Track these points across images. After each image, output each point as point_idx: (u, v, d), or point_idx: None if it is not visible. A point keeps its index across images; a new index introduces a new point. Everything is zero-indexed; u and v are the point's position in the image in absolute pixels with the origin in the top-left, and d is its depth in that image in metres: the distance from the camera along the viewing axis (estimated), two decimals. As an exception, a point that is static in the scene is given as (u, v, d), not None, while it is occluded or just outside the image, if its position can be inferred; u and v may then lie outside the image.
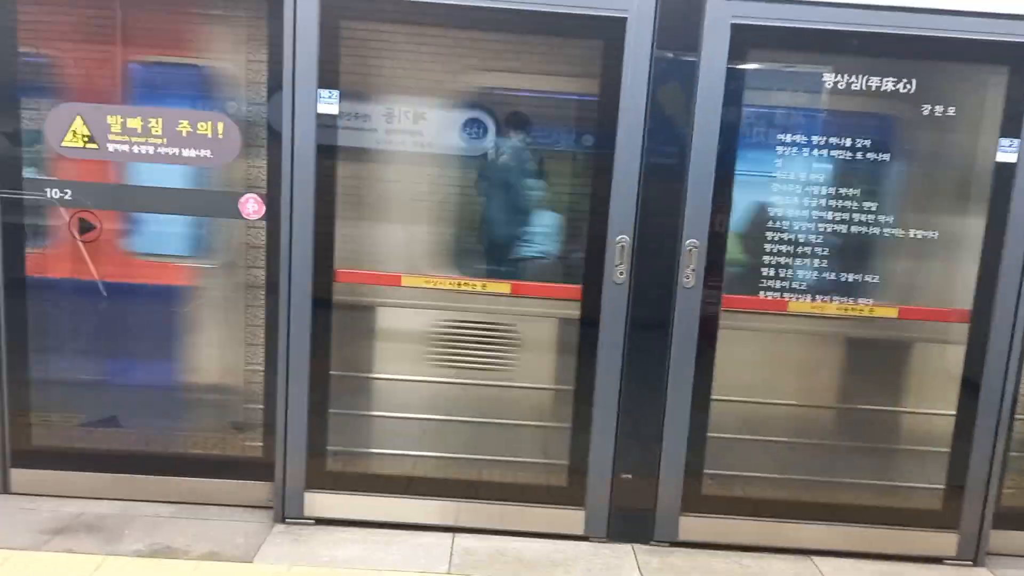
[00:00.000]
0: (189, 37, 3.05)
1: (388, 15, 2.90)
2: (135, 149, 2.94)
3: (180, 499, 3.20)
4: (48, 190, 3.00)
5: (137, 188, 3.11)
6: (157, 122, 2.92)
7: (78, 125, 2.91)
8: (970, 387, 3.05)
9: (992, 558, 3.17)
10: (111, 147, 2.93)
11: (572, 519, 3.13)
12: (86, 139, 2.91)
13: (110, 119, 2.91)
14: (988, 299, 3.00)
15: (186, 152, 2.94)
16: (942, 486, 3.13)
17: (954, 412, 3.09)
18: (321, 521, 3.12)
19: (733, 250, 3.02)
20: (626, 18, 2.82)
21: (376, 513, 3.12)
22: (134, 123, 2.92)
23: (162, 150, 2.94)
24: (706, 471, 3.11)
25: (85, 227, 3.08)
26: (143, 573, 2.71)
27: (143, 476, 3.20)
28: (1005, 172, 2.92)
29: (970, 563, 3.13)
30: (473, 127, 3.12)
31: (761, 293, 3.04)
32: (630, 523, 3.13)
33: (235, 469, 3.21)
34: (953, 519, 3.12)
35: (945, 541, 3.13)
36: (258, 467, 3.17)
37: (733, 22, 2.80)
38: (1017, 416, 3.11)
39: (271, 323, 3.07)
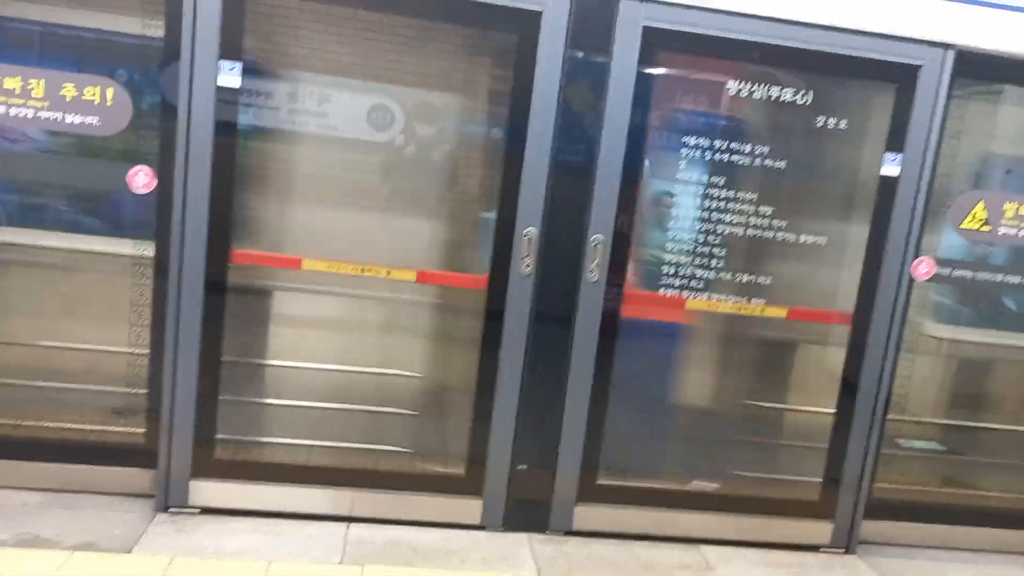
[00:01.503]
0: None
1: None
2: (12, 112, 2.72)
3: (52, 487, 3.00)
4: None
5: (16, 155, 2.89)
6: (39, 84, 2.71)
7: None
8: (848, 386, 3.24)
9: (863, 546, 3.37)
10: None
11: (469, 508, 3.13)
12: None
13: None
14: (868, 303, 3.18)
15: (70, 118, 2.74)
16: (820, 479, 3.31)
17: (834, 410, 3.27)
18: (208, 511, 3.00)
19: (636, 247, 3.09)
20: (541, 12, 2.82)
21: (267, 503, 3.03)
22: (12, 83, 2.70)
23: (43, 114, 2.73)
24: (602, 464, 3.17)
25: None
26: (9, 564, 2.53)
27: (8, 461, 2.98)
28: (889, 184, 3.10)
29: (843, 550, 3.33)
30: (380, 113, 3.05)
31: (661, 290, 3.12)
32: (526, 513, 3.16)
33: (114, 456, 3.04)
34: (829, 510, 3.30)
35: (821, 530, 3.32)
36: (140, 454, 3.01)
37: (645, 24, 2.85)
38: (889, 417, 3.32)
39: (158, 303, 2.91)
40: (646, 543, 3.19)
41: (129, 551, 2.70)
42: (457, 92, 3.16)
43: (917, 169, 3.07)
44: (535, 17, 2.82)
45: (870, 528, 3.38)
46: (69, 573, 2.52)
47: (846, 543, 3.33)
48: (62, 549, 2.66)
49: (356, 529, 3.03)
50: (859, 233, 3.17)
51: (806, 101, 3.05)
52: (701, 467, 3.34)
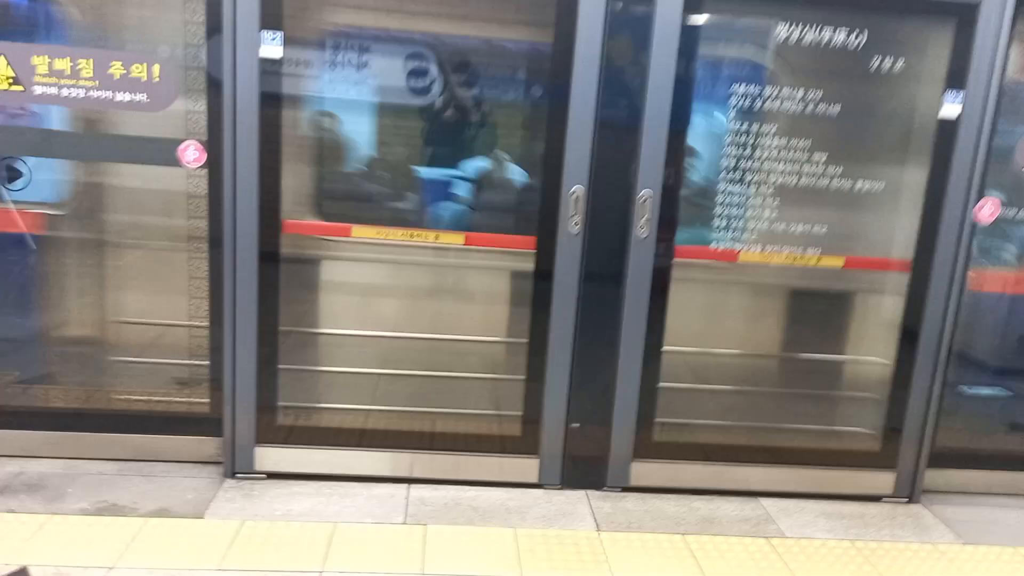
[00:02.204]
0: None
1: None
2: (63, 92, 2.76)
3: (126, 457, 3.12)
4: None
5: (68, 134, 2.94)
6: (87, 63, 2.74)
7: (1, 66, 2.72)
8: (909, 334, 3.16)
9: (926, 495, 3.33)
10: (38, 90, 2.75)
11: (526, 467, 3.17)
12: (10, 80, 2.73)
13: (35, 59, 2.73)
14: (929, 249, 3.08)
15: (119, 96, 2.78)
16: (881, 429, 3.26)
17: (894, 359, 3.20)
18: (273, 475, 3.08)
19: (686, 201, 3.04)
20: (582, -36, 2.75)
21: (330, 466, 3.10)
22: (62, 64, 2.74)
23: (93, 93, 2.77)
24: (657, 419, 3.17)
25: (13, 175, 2.91)
26: (89, 531, 2.64)
27: (86, 434, 3.10)
28: (948, 125, 2.98)
29: (906, 500, 3.29)
30: (420, 76, 3.03)
31: (712, 244, 3.07)
32: (583, 470, 3.18)
33: (182, 425, 3.14)
34: (891, 459, 3.26)
35: (883, 480, 3.27)
36: (206, 422, 3.11)
37: (689, -29, 2.76)
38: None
39: (215, 276, 2.97)
40: (705, 497, 3.20)
41: (201, 516, 2.79)
42: (498, 53, 3.10)
43: (980, 108, 2.94)
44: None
45: (934, 477, 3.33)
46: (146, 538, 2.63)
47: (909, 492, 3.28)
48: (138, 515, 2.76)
49: (417, 490, 3.09)
50: (918, 178, 3.06)
51: (859, 43, 2.93)
52: (759, 419, 3.32)
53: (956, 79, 2.94)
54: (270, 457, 3.08)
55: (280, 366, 3.03)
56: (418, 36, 2.99)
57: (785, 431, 3.31)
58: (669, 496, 3.18)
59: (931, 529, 3.11)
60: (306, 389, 3.22)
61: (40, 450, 3.10)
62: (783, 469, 3.25)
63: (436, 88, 3.04)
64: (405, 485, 3.11)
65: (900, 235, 3.16)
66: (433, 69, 3.02)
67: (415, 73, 3.02)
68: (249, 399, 3.01)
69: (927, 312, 3.12)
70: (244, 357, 2.96)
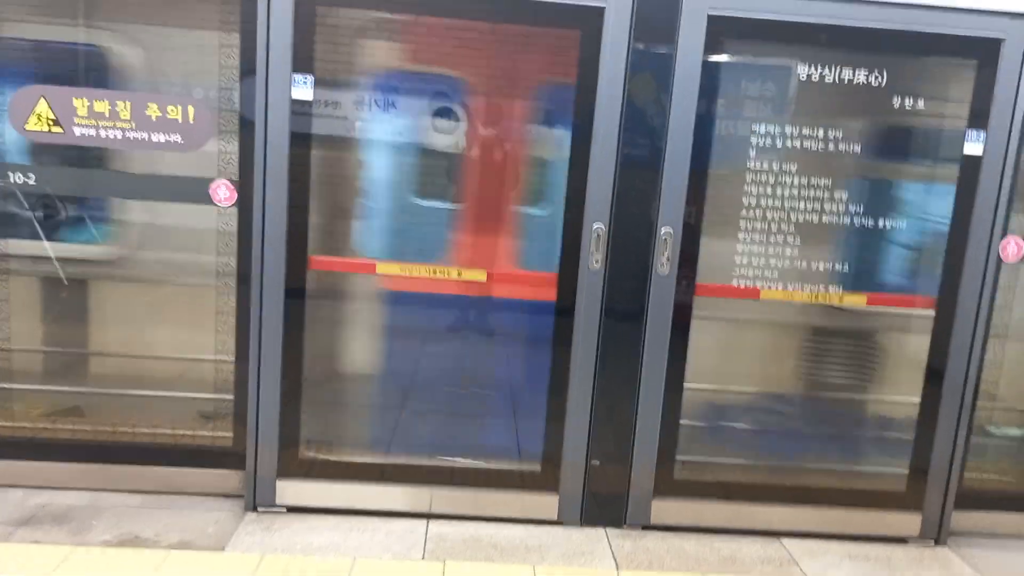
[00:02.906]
0: (160, 19, 2.98)
1: (365, 1, 2.86)
2: (103, 133, 2.86)
3: (149, 489, 3.16)
4: (11, 174, 2.92)
5: (103, 172, 3.04)
6: (125, 106, 2.85)
7: (42, 108, 2.82)
8: (935, 374, 3.13)
9: (953, 538, 3.27)
10: (78, 131, 2.85)
11: (546, 504, 3.15)
12: (51, 122, 2.83)
13: (76, 102, 2.84)
14: (953, 287, 3.07)
15: (155, 137, 2.87)
16: (906, 469, 3.22)
17: (919, 398, 3.17)
18: (293, 509, 3.10)
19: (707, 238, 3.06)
20: (604, 7, 2.81)
21: (350, 500, 3.12)
22: (101, 107, 2.84)
23: (131, 135, 2.86)
24: (678, 457, 3.15)
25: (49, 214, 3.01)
26: (112, 563, 2.67)
27: (111, 466, 3.15)
28: (972, 163, 2.99)
29: (932, 542, 3.23)
30: (445, 115, 3.10)
31: (734, 281, 3.08)
32: (603, 508, 3.17)
33: (205, 458, 3.17)
34: (917, 501, 3.21)
35: (909, 521, 3.22)
36: (229, 456, 3.14)
37: (710, 13, 2.81)
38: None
39: (242, 311, 3.02)
40: (726, 536, 3.16)
41: (222, 549, 2.81)
42: (521, 92, 3.17)
43: (1003, 146, 2.95)
44: (598, 12, 2.81)
45: (961, 519, 3.27)
46: (168, 570, 2.65)
47: (936, 534, 3.23)
48: (161, 548, 2.79)
49: (436, 526, 3.09)
50: (942, 216, 3.06)
51: (881, 82, 2.96)
52: (781, 458, 3.29)
53: (978, 118, 2.96)
54: (291, 491, 3.10)
55: (304, 400, 3.07)
56: (445, 77, 3.06)
57: (809, 470, 3.28)
58: (690, 535, 3.15)
59: (958, 573, 3.04)
60: (329, 425, 3.25)
61: (67, 482, 3.14)
62: (806, 509, 3.20)
63: (461, 128, 3.11)
64: (424, 520, 3.11)
65: (924, 273, 3.15)
66: (458, 109, 3.09)
67: (439, 113, 3.09)
68: (272, 433, 3.04)
69: (952, 351, 3.09)
70: (268, 392, 3.00)
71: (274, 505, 3.10)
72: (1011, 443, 3.51)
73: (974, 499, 3.29)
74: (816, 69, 2.94)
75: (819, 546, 3.15)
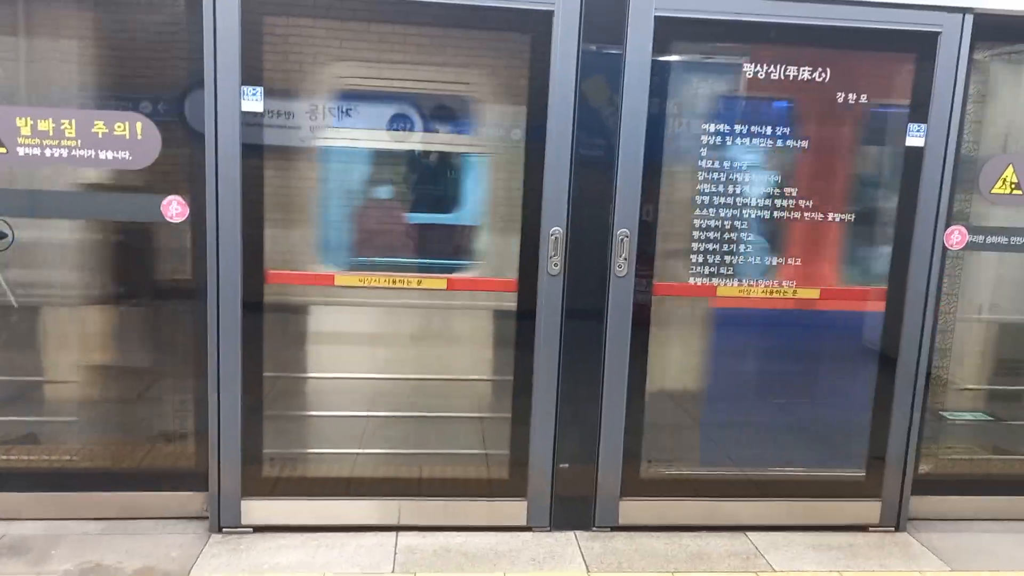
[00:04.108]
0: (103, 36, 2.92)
1: (310, 10, 2.84)
2: (47, 152, 2.80)
3: (110, 515, 3.08)
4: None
5: (51, 193, 2.97)
6: (70, 123, 2.78)
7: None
8: (887, 361, 3.21)
9: (913, 523, 3.35)
10: (21, 151, 2.78)
11: (514, 510, 3.16)
12: (-4, 143, 2.76)
13: (19, 121, 2.77)
14: (902, 277, 3.15)
15: (103, 154, 2.81)
16: (864, 458, 3.28)
17: (874, 387, 3.24)
18: (260, 528, 3.05)
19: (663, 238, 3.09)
20: (553, 11, 2.83)
21: (317, 517, 3.08)
22: (45, 125, 2.77)
23: (76, 153, 2.80)
24: (644, 457, 3.18)
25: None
26: (73, 594, 2.61)
27: (68, 493, 3.07)
28: (914, 155, 3.07)
29: (892, 529, 3.30)
30: (400, 122, 3.09)
31: (691, 279, 3.12)
32: (571, 511, 3.18)
33: (167, 481, 3.11)
34: (876, 488, 3.28)
35: (869, 509, 3.29)
36: (191, 477, 3.08)
37: (657, 14, 2.85)
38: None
39: (199, 328, 2.97)
40: (693, 533, 3.19)
41: (187, 573, 2.76)
42: (474, 96, 3.18)
43: (943, 137, 3.04)
44: (547, 16, 2.83)
45: (920, 504, 3.35)
46: (132, 597, 2.59)
47: (896, 521, 3.30)
48: (124, 575, 2.72)
49: (405, 538, 3.06)
50: (888, 207, 3.14)
51: (824, 78, 3.03)
52: (743, 454, 3.33)
53: (919, 110, 3.04)
54: (256, 510, 3.05)
55: (267, 413, 3.02)
56: (396, 86, 3.05)
57: (771, 464, 3.32)
58: (658, 534, 3.18)
59: (919, 557, 3.12)
60: (293, 440, 3.21)
61: (23, 512, 3.06)
62: (770, 503, 3.26)
63: (416, 135, 3.10)
64: (393, 533, 3.09)
65: (874, 264, 3.22)
66: (412, 116, 3.08)
67: (394, 120, 3.08)
68: (234, 452, 2.99)
69: (903, 339, 3.17)
70: (228, 410, 2.96)
71: (240, 525, 3.05)
72: (965, 427, 3.61)
73: (931, 484, 3.37)
74: (762, 67, 3.00)
75: (783, 538, 3.20)
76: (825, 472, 3.33)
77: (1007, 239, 3.25)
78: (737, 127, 3.03)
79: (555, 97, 2.88)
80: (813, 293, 3.19)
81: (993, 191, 3.19)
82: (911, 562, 3.07)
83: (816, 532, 3.25)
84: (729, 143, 3.04)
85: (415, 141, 3.13)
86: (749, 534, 3.22)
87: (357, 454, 3.21)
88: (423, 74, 3.05)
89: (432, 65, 3.03)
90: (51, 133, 2.77)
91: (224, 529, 3.04)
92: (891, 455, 3.25)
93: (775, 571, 2.95)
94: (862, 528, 3.29)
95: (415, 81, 3.06)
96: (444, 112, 3.15)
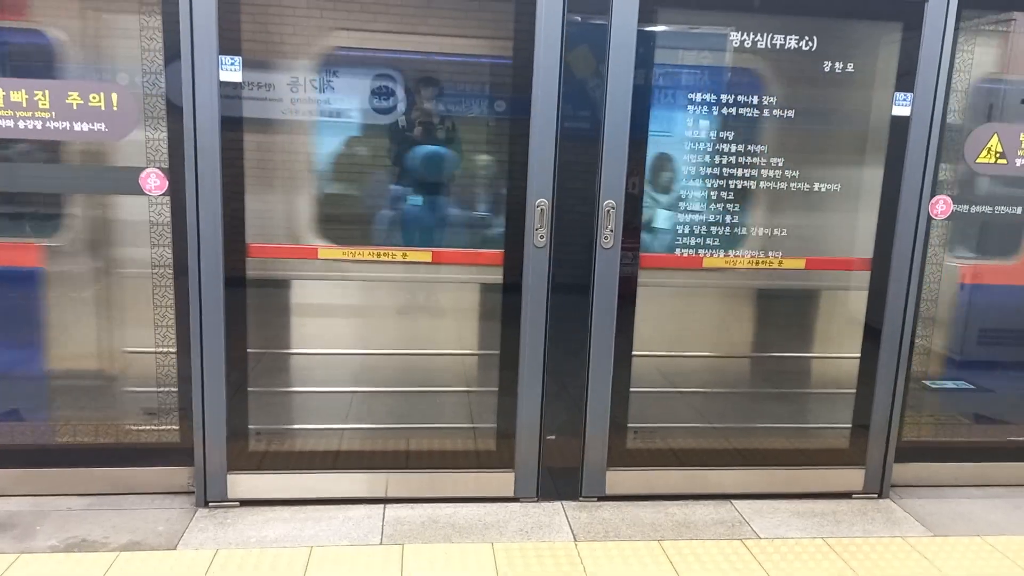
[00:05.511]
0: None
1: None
2: (21, 124, 2.73)
3: (95, 491, 3.07)
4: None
5: (28, 166, 2.91)
6: (43, 95, 2.72)
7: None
8: (872, 331, 3.23)
9: (896, 490, 3.39)
10: (-4, 123, 2.73)
11: (502, 482, 3.17)
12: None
13: (-8, 93, 2.70)
14: (887, 246, 3.16)
15: (78, 126, 2.75)
16: (848, 426, 3.32)
17: (858, 355, 3.26)
18: (247, 503, 3.05)
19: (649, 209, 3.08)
20: (538, -21, 2.79)
21: (304, 490, 3.08)
22: (18, 96, 2.71)
23: (51, 124, 2.74)
24: (630, 425, 3.19)
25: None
26: (60, 569, 2.59)
27: (53, 470, 3.05)
28: (900, 125, 3.06)
29: (876, 496, 3.35)
30: (383, 94, 3.05)
31: (677, 251, 3.11)
32: (559, 481, 3.19)
33: (153, 456, 3.09)
34: (859, 456, 3.32)
35: (853, 477, 3.33)
36: (177, 452, 3.07)
37: (641, -18, 2.81)
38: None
39: (181, 303, 2.94)
40: (679, 502, 3.22)
41: (174, 547, 2.76)
42: (459, 66, 3.13)
43: (929, 107, 3.03)
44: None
45: (902, 471, 3.39)
46: (118, 573, 2.59)
47: (879, 488, 3.34)
48: (109, 551, 2.72)
49: (393, 510, 3.07)
50: (874, 177, 3.13)
51: (811, 47, 3.01)
52: (731, 421, 3.36)
53: (905, 80, 3.02)
54: (243, 484, 3.05)
55: (251, 389, 3.01)
56: (380, 54, 3.00)
57: (756, 431, 3.35)
58: (645, 503, 3.20)
59: (901, 523, 3.16)
60: (278, 414, 3.20)
61: (7, 488, 3.04)
62: (755, 471, 3.29)
63: (400, 106, 3.06)
64: (381, 505, 3.10)
65: (860, 235, 3.23)
66: (396, 87, 3.04)
67: (378, 92, 3.04)
68: (219, 426, 2.98)
69: (887, 308, 3.19)
70: (212, 384, 2.94)
71: (226, 499, 3.04)
72: (947, 396, 3.64)
73: (914, 451, 3.41)
74: (748, 35, 2.97)
75: (768, 505, 3.23)
76: (810, 440, 3.36)
77: (991, 208, 3.26)
78: (723, 96, 3.00)
79: (540, 68, 2.85)
80: (799, 263, 3.20)
81: (978, 160, 3.19)
82: (894, 528, 3.11)
83: (801, 500, 3.29)
84: (715, 112, 3.01)
85: (399, 113, 3.09)
86: (735, 502, 3.25)
87: (344, 429, 3.21)
88: (407, 44, 3.00)
89: (416, 35, 2.98)
90: (24, 104, 2.71)
91: (210, 504, 3.03)
92: (875, 423, 3.28)
93: (760, 538, 2.98)
94: (846, 495, 3.33)
95: (398, 52, 3.01)
96: (428, 83, 3.11)
